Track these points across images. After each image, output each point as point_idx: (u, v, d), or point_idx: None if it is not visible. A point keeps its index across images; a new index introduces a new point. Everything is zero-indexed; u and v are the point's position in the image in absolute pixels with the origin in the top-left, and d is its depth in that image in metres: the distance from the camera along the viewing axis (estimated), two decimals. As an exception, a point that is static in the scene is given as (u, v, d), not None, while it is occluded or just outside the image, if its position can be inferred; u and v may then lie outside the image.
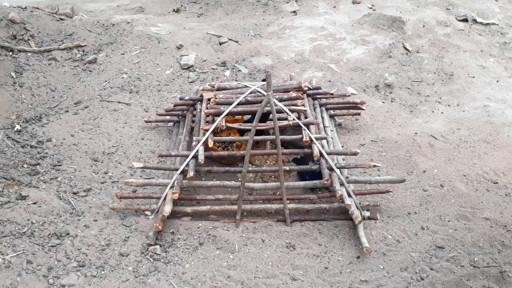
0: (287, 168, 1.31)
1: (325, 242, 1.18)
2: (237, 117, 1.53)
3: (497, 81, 2.05)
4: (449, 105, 1.87)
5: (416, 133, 1.60)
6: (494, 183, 1.40)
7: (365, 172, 1.43)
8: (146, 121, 1.65)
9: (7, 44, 1.99)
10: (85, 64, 2.02)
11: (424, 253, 1.14)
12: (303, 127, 1.32)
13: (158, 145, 1.56)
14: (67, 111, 1.71)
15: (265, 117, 1.50)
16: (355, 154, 1.31)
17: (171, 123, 1.66)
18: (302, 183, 1.29)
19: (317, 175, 1.30)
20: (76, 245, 1.12)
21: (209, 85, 1.60)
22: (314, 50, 2.14)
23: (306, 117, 1.39)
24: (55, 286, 1.02)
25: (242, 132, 1.47)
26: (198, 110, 1.48)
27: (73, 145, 1.51)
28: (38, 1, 2.69)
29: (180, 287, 1.04)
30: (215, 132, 1.34)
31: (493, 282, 1.06)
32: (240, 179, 1.42)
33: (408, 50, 2.17)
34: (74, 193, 1.32)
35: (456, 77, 2.03)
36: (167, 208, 1.17)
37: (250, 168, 1.40)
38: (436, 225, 1.23)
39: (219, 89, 1.51)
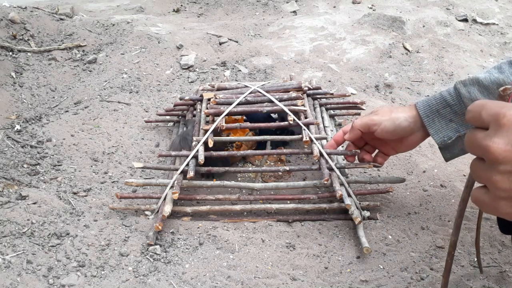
0: (287, 168, 1.31)
1: (325, 242, 1.17)
2: (236, 117, 1.53)
3: (497, 81, 2.05)
4: (449, 105, 1.87)
5: (416, 133, 1.60)
6: (494, 183, 1.40)
7: (365, 172, 1.43)
8: (146, 121, 1.64)
9: (7, 44, 1.99)
10: (85, 64, 2.02)
11: (424, 253, 1.14)
12: (303, 127, 1.32)
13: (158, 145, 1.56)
14: (67, 111, 1.70)
15: (266, 119, 1.50)
16: (355, 154, 1.31)
17: (171, 123, 1.66)
18: (302, 183, 1.28)
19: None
20: (76, 245, 1.12)
21: (209, 85, 1.59)
22: (314, 50, 2.14)
23: (306, 117, 1.39)
24: (55, 286, 1.01)
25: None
26: (198, 110, 1.48)
27: (73, 145, 1.51)
28: (38, 1, 2.69)
29: (180, 287, 1.03)
30: (215, 132, 1.34)
31: (493, 282, 1.05)
32: (240, 179, 1.42)
33: (408, 50, 2.17)
34: (74, 193, 1.31)
35: (456, 77, 2.02)
36: (167, 208, 1.16)
37: (250, 168, 1.40)
38: (436, 225, 1.23)
39: (219, 89, 1.50)
